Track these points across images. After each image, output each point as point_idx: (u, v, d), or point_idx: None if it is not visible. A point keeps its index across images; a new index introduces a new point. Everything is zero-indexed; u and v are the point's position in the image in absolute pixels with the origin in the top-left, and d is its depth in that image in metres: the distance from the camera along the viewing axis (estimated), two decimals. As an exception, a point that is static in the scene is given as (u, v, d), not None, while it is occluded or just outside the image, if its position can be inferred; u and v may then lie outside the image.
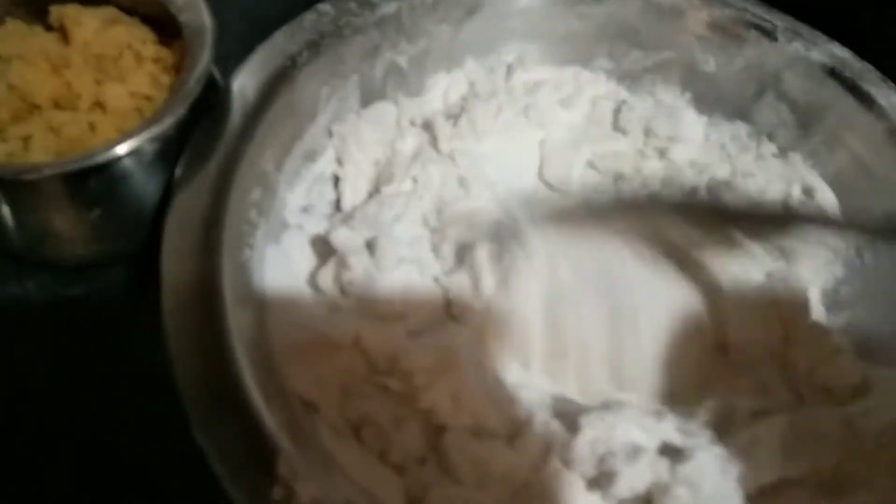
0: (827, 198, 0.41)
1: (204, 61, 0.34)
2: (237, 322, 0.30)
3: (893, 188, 0.39)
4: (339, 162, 0.40)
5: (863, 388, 0.36)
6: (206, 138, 0.35)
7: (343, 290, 0.35)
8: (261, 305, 0.33)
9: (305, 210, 0.39)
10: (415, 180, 0.39)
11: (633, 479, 0.29)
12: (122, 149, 0.31)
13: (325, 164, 0.40)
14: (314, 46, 0.39)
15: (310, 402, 0.31)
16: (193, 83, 0.34)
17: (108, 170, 0.32)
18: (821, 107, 0.42)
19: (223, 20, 0.36)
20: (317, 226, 0.38)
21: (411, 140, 0.42)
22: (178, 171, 0.34)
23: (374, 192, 0.40)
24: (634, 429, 0.30)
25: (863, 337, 0.38)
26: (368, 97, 0.43)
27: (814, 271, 0.41)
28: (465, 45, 0.45)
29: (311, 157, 0.40)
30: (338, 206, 0.40)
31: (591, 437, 0.30)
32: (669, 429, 0.31)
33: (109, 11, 0.39)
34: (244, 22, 0.41)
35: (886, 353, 0.37)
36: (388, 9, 0.42)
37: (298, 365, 0.31)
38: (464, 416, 0.31)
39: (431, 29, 0.44)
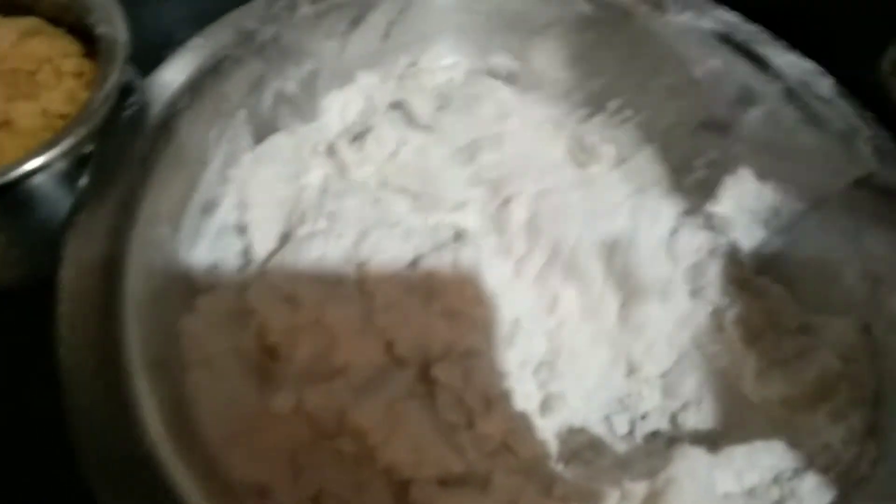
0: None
1: (111, 81, 0.33)
2: (154, 408, 0.28)
3: (799, 146, 0.40)
4: (242, 208, 0.37)
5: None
6: (93, 199, 0.32)
7: (271, 354, 0.32)
8: (180, 385, 0.30)
9: (213, 269, 0.35)
10: (330, 216, 0.37)
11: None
12: (14, 172, 0.30)
13: (226, 214, 0.37)
14: (193, 89, 0.36)
15: (259, 486, 0.28)
16: (98, 104, 0.32)
17: (7, 193, 0.31)
18: (718, 73, 0.42)
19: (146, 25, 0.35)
20: (229, 284, 0.35)
21: (317, 171, 0.39)
22: (67, 235, 0.30)
23: (287, 236, 0.37)
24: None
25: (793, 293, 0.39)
26: (261, 132, 0.39)
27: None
28: (354, 59, 0.43)
29: (210, 208, 0.37)
30: (248, 256, 0.37)
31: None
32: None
33: (31, 22, 0.37)
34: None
35: (815, 303, 0.38)
36: (266, 34, 0.39)
37: (238, 448, 0.29)
38: (428, 467, 0.29)
39: (316, 48, 0.41)
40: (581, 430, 0.34)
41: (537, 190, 0.39)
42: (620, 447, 0.34)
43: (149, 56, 0.36)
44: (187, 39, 0.38)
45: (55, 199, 0.33)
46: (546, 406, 0.33)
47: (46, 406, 0.27)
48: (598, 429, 0.34)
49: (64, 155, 0.32)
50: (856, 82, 0.40)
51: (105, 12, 0.36)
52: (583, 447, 0.33)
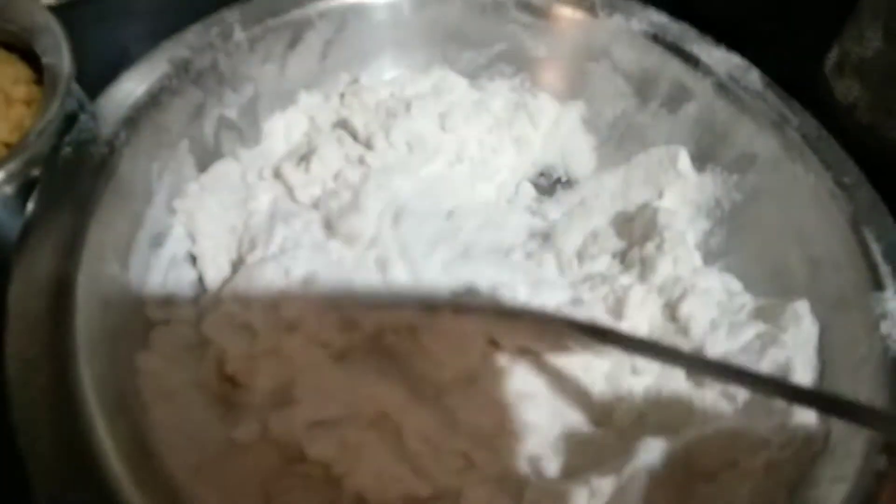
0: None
1: (52, 110, 0.33)
2: (115, 446, 0.27)
3: (734, 137, 0.41)
4: (192, 239, 0.37)
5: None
6: (37, 239, 0.31)
7: (232, 383, 0.32)
8: (141, 422, 0.30)
9: (167, 302, 0.35)
10: (281, 240, 0.36)
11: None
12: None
13: (175, 245, 0.37)
14: (131, 123, 0.35)
15: (230, 519, 0.28)
16: (39, 133, 0.32)
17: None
18: (652, 73, 0.43)
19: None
20: (184, 316, 0.34)
21: (265, 196, 0.39)
22: (12, 275, 0.30)
23: (239, 262, 0.37)
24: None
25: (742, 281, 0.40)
26: (205, 160, 0.39)
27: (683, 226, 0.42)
28: (294, 81, 0.43)
29: (159, 241, 0.36)
30: (203, 285, 0.37)
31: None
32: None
33: None
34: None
35: (763, 288, 0.39)
36: (202, 62, 0.38)
37: (206, 482, 0.28)
38: (394, 492, 0.29)
39: (255, 72, 0.41)
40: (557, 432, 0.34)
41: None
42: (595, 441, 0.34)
43: (104, 73, 0.36)
44: (136, 59, 0.37)
45: (2, 224, 0.33)
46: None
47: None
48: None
49: (5, 182, 0.32)
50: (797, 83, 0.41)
51: (51, 42, 0.35)
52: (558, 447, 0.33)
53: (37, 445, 0.26)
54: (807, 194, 0.37)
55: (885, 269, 0.34)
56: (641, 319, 0.38)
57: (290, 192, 0.39)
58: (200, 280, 0.37)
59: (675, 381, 0.37)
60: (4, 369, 0.28)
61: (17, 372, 0.28)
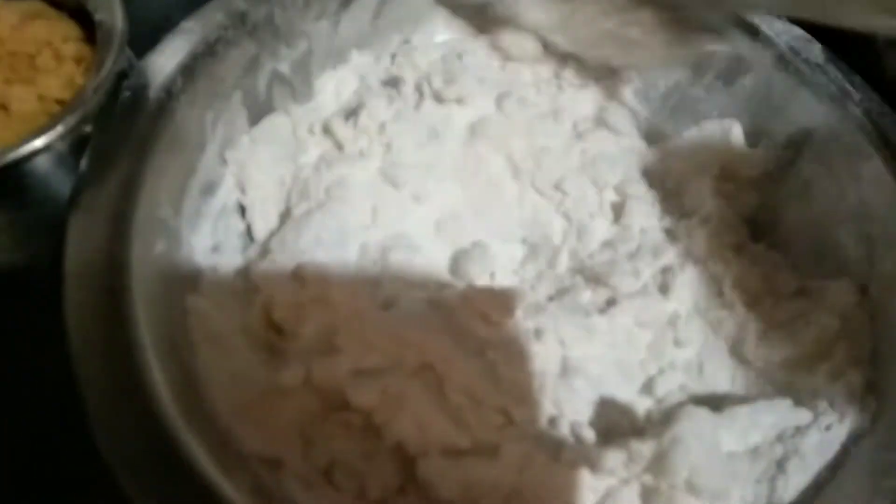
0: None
1: (107, 68, 0.33)
2: (167, 384, 0.28)
3: (791, 111, 0.40)
4: (242, 189, 0.37)
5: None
6: (93, 184, 0.32)
7: (277, 331, 0.33)
8: (189, 363, 0.31)
9: (216, 249, 0.35)
10: (328, 192, 0.37)
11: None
12: (12, 155, 0.31)
13: (226, 195, 0.37)
14: (188, 71, 0.35)
15: (272, 459, 0.29)
16: (93, 90, 0.33)
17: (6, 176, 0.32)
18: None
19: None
20: (233, 264, 0.35)
21: (314, 150, 0.39)
22: (69, 220, 0.30)
23: (287, 214, 0.37)
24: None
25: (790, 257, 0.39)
26: (256, 114, 0.39)
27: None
28: (346, 39, 0.43)
29: (210, 190, 0.37)
30: (250, 236, 0.37)
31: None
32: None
33: (33, 5, 0.37)
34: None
35: (812, 267, 0.38)
36: (258, 15, 0.39)
37: (250, 423, 0.29)
38: (433, 444, 0.29)
39: (309, 28, 0.41)
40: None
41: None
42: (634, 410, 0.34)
43: (146, 39, 0.36)
44: (188, 15, 0.37)
45: (54, 181, 0.33)
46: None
47: (56, 386, 0.28)
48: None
49: (60, 138, 0.32)
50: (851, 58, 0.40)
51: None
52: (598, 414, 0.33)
53: (94, 381, 0.27)
54: (865, 171, 0.36)
55: (945, 249, 0.33)
56: (686, 294, 0.37)
57: (339, 146, 0.39)
58: (249, 229, 0.37)
59: (718, 355, 0.36)
60: (63, 312, 0.28)
61: (77, 315, 0.28)
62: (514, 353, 0.32)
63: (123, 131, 0.33)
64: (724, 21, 0.41)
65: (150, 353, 0.28)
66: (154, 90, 0.34)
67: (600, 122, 0.44)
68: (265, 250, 0.35)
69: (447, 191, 0.39)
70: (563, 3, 0.42)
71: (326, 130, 0.40)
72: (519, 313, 0.34)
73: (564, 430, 0.31)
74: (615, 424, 0.33)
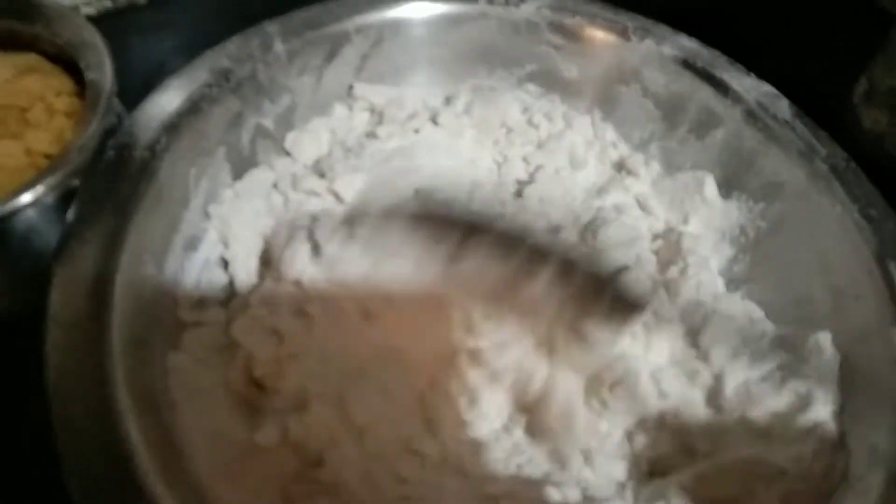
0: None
1: (94, 125, 0.34)
2: (146, 444, 0.28)
3: (761, 165, 0.41)
4: (225, 244, 0.38)
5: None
6: (77, 240, 0.32)
7: (259, 386, 0.33)
8: (170, 422, 0.31)
9: (199, 304, 0.36)
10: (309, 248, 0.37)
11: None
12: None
13: (209, 249, 0.38)
14: (171, 129, 0.36)
15: (251, 520, 0.29)
16: (80, 146, 0.34)
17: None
18: (681, 98, 0.44)
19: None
20: (215, 319, 0.35)
21: (295, 204, 0.40)
22: (53, 274, 0.31)
23: (269, 267, 0.38)
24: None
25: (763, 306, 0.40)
26: (240, 168, 0.40)
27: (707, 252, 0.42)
28: (329, 93, 0.44)
29: (193, 244, 0.37)
30: (233, 290, 0.38)
31: None
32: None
33: (29, 59, 0.38)
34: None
35: (785, 317, 0.39)
36: (242, 72, 0.40)
37: (230, 482, 0.29)
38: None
39: (292, 84, 0.42)
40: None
41: None
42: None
43: (140, 85, 0.38)
44: (176, 70, 0.38)
45: (40, 234, 0.34)
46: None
47: (35, 441, 0.28)
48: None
49: (46, 193, 0.33)
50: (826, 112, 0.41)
51: (95, 57, 0.37)
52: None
53: (73, 440, 0.27)
54: (832, 225, 0.38)
55: (908, 303, 0.34)
56: (663, 346, 0.38)
57: (318, 199, 0.40)
58: (231, 284, 0.38)
59: (695, 406, 0.37)
60: (45, 371, 0.29)
61: (58, 373, 0.28)
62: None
63: (108, 189, 0.34)
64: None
65: (130, 413, 0.28)
66: (138, 149, 0.35)
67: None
68: (246, 305, 0.35)
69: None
70: None
71: (302, 185, 0.40)
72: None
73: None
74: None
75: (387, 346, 0.35)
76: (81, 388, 0.28)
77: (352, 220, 0.38)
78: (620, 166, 0.45)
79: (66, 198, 0.34)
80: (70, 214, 0.33)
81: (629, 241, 0.41)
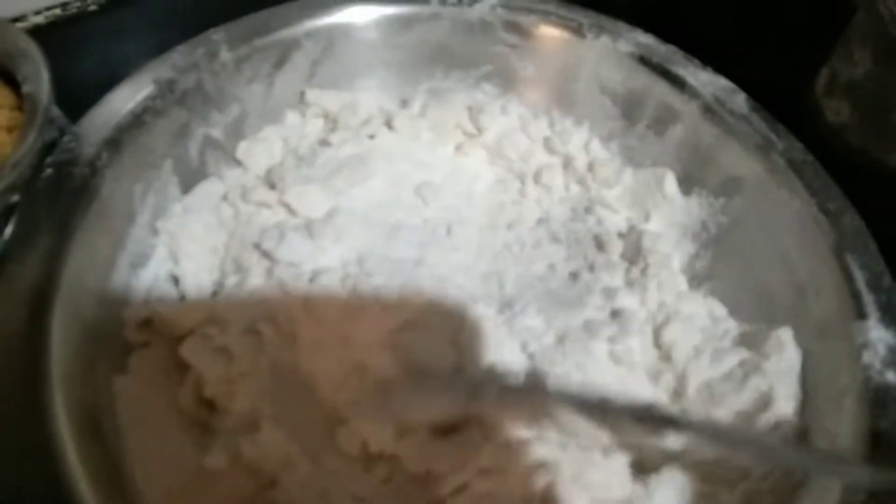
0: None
1: (29, 142, 0.33)
2: (89, 476, 0.27)
3: (720, 160, 0.41)
4: (174, 259, 0.37)
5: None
6: (15, 259, 0.31)
7: (210, 407, 0.32)
8: (116, 449, 0.30)
9: (146, 324, 0.35)
10: (267, 256, 0.36)
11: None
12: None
13: (158, 265, 0.37)
14: (113, 144, 0.35)
15: (202, 546, 0.28)
16: (11, 166, 0.32)
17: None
18: (639, 94, 0.43)
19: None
20: (163, 338, 0.34)
21: (246, 217, 0.39)
22: None
23: (221, 284, 0.37)
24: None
25: (727, 306, 0.40)
26: (189, 180, 0.39)
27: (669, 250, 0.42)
28: (280, 100, 0.43)
29: (142, 261, 0.36)
30: (182, 306, 0.37)
31: None
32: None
33: None
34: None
35: (747, 313, 0.39)
36: (188, 83, 0.38)
37: (179, 508, 0.28)
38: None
39: (241, 92, 0.41)
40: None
41: None
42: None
43: (91, 96, 0.37)
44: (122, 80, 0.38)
45: None
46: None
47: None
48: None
49: None
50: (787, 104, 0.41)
51: (32, 69, 0.36)
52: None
53: (9, 473, 0.26)
54: (791, 220, 0.37)
55: (868, 297, 0.34)
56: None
57: (269, 211, 0.39)
58: (183, 300, 0.37)
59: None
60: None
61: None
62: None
63: (47, 207, 0.33)
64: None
65: (71, 442, 0.27)
66: (78, 166, 0.34)
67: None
68: (195, 323, 0.34)
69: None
70: None
71: (254, 197, 0.39)
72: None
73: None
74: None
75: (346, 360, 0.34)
76: (17, 415, 0.27)
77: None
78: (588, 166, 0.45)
79: (4, 214, 0.33)
80: (8, 231, 0.32)
81: None
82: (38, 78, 0.35)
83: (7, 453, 0.27)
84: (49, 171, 0.34)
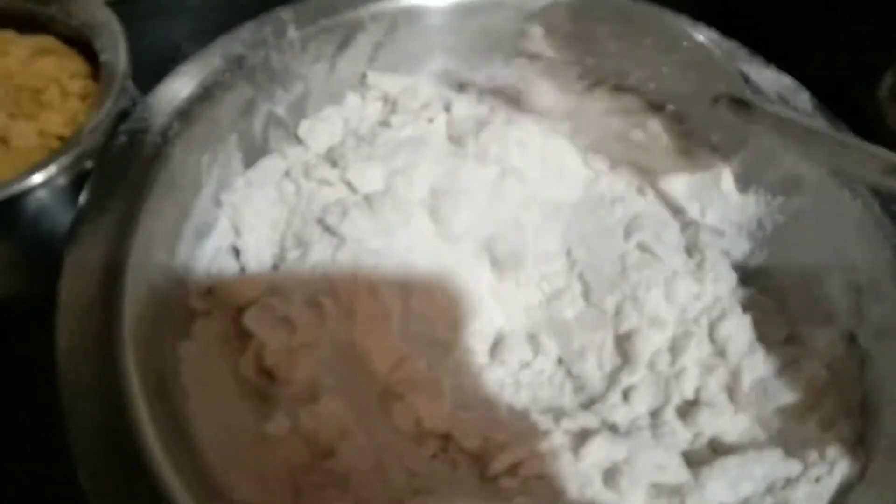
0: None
1: (106, 108, 0.34)
2: (156, 431, 0.28)
3: (780, 158, 0.40)
4: (236, 232, 0.37)
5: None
6: (90, 225, 0.32)
7: (270, 376, 0.33)
8: (181, 410, 0.30)
9: (210, 293, 0.36)
10: (322, 237, 0.37)
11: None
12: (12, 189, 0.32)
13: (221, 237, 0.37)
14: (184, 115, 0.36)
15: (261, 507, 0.29)
16: (92, 128, 0.34)
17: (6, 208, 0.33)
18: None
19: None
20: (226, 307, 0.35)
21: (308, 193, 0.40)
22: (66, 257, 0.31)
23: (281, 257, 0.37)
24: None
25: (780, 304, 0.40)
26: (252, 156, 0.40)
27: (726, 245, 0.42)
28: (342, 81, 0.43)
29: (205, 232, 0.37)
30: (244, 277, 0.37)
31: None
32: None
33: (45, 41, 0.38)
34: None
35: (802, 312, 0.39)
36: (255, 59, 0.39)
37: (240, 472, 0.29)
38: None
39: (305, 71, 0.41)
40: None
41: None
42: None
43: (156, 70, 0.37)
44: (188, 57, 0.38)
45: (53, 214, 0.34)
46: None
47: (44, 429, 0.28)
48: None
49: (59, 174, 0.33)
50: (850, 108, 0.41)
51: (110, 39, 0.37)
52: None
53: (82, 426, 0.27)
54: (852, 221, 0.37)
55: (928, 301, 0.33)
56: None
57: (330, 188, 0.40)
58: (243, 272, 0.37)
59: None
60: (55, 354, 0.28)
61: (67, 357, 0.29)
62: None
63: (119, 175, 0.34)
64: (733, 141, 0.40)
65: (140, 399, 0.28)
66: (150, 134, 0.35)
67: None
68: (258, 293, 0.35)
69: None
70: (570, 95, 0.43)
71: (316, 174, 0.40)
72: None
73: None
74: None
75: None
76: (91, 373, 0.28)
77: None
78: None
79: (78, 180, 0.34)
80: (82, 198, 0.33)
81: None
82: (116, 48, 0.37)
83: (83, 409, 0.27)
84: (122, 138, 0.34)
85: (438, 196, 0.39)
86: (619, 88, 0.43)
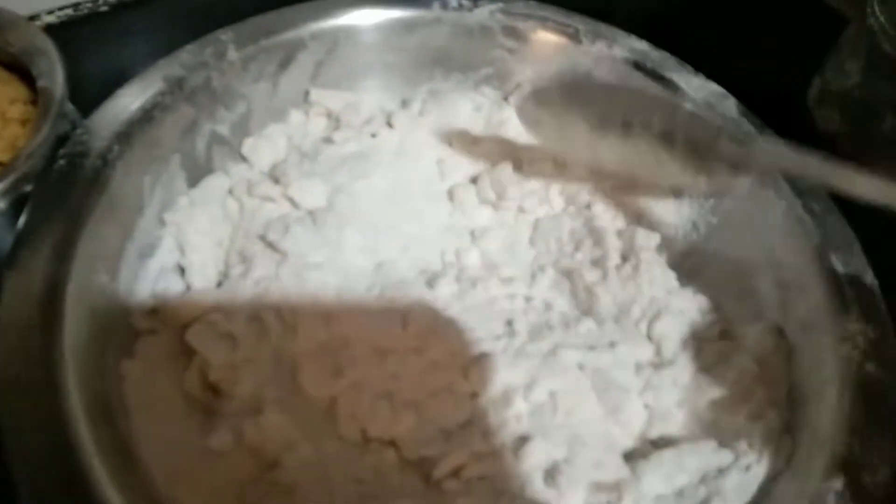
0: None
1: (43, 134, 0.34)
2: (99, 452, 0.28)
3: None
4: (181, 251, 0.38)
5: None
6: (29, 248, 0.32)
7: (214, 391, 0.33)
8: (125, 429, 0.31)
9: (153, 312, 0.36)
10: (272, 247, 0.37)
11: None
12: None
13: (165, 256, 0.38)
14: (124, 138, 0.36)
15: (207, 523, 0.29)
16: (24, 157, 0.34)
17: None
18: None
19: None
20: (169, 326, 0.35)
21: (250, 211, 0.40)
22: (4, 280, 0.31)
23: (225, 275, 0.38)
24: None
25: (714, 301, 0.41)
26: (196, 174, 0.40)
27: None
28: (285, 99, 0.44)
29: (149, 251, 0.38)
30: (188, 296, 0.38)
31: None
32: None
33: None
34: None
35: (734, 309, 0.40)
36: (197, 80, 0.40)
37: (184, 487, 0.29)
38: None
39: (247, 90, 0.42)
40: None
41: None
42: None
43: (101, 93, 0.38)
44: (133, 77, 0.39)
45: None
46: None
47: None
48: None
49: None
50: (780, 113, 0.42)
51: (47, 65, 0.37)
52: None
53: (23, 448, 0.27)
54: (778, 220, 0.39)
55: (849, 293, 0.35)
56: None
57: (273, 205, 0.40)
58: (189, 290, 0.38)
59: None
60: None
61: (7, 381, 0.29)
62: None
63: (59, 198, 0.34)
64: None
65: (82, 420, 0.28)
66: (90, 157, 0.35)
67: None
68: (201, 311, 0.35)
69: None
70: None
71: (259, 191, 0.41)
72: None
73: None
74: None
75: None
76: (32, 396, 0.28)
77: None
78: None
79: (17, 204, 0.34)
80: (21, 222, 0.33)
81: None
82: (53, 73, 0.37)
83: (23, 432, 0.28)
84: (61, 162, 0.35)
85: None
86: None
